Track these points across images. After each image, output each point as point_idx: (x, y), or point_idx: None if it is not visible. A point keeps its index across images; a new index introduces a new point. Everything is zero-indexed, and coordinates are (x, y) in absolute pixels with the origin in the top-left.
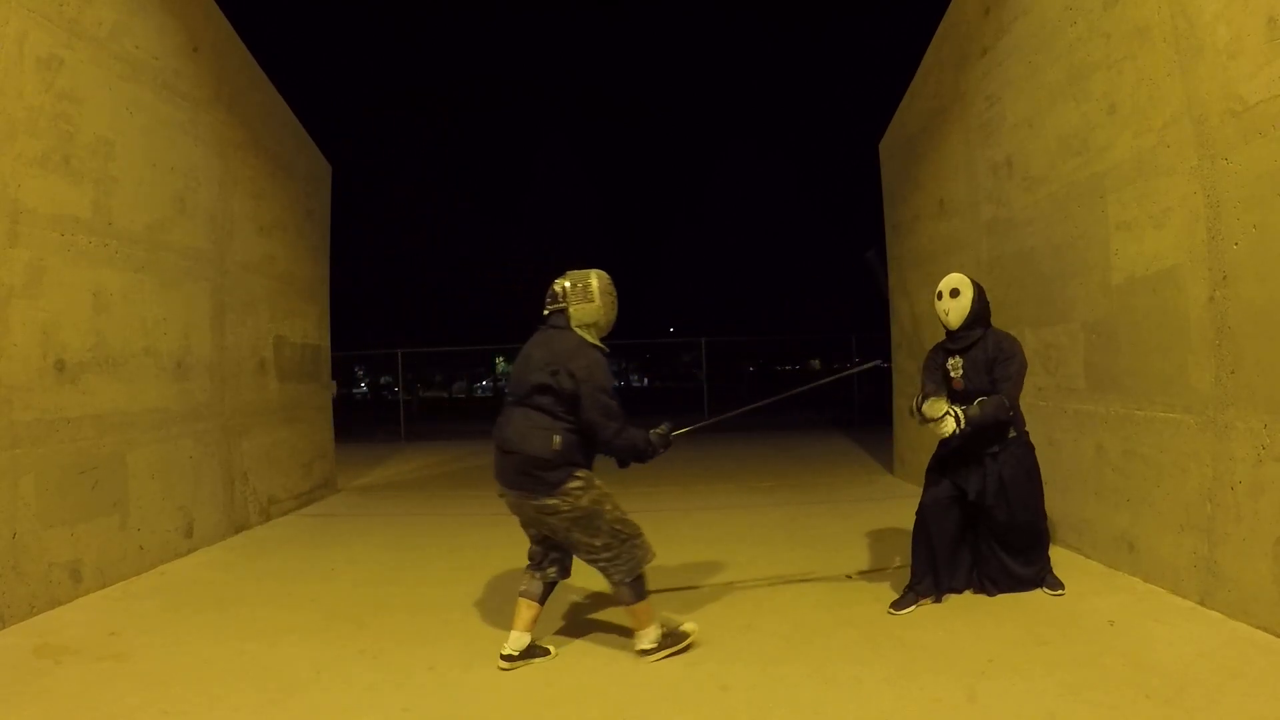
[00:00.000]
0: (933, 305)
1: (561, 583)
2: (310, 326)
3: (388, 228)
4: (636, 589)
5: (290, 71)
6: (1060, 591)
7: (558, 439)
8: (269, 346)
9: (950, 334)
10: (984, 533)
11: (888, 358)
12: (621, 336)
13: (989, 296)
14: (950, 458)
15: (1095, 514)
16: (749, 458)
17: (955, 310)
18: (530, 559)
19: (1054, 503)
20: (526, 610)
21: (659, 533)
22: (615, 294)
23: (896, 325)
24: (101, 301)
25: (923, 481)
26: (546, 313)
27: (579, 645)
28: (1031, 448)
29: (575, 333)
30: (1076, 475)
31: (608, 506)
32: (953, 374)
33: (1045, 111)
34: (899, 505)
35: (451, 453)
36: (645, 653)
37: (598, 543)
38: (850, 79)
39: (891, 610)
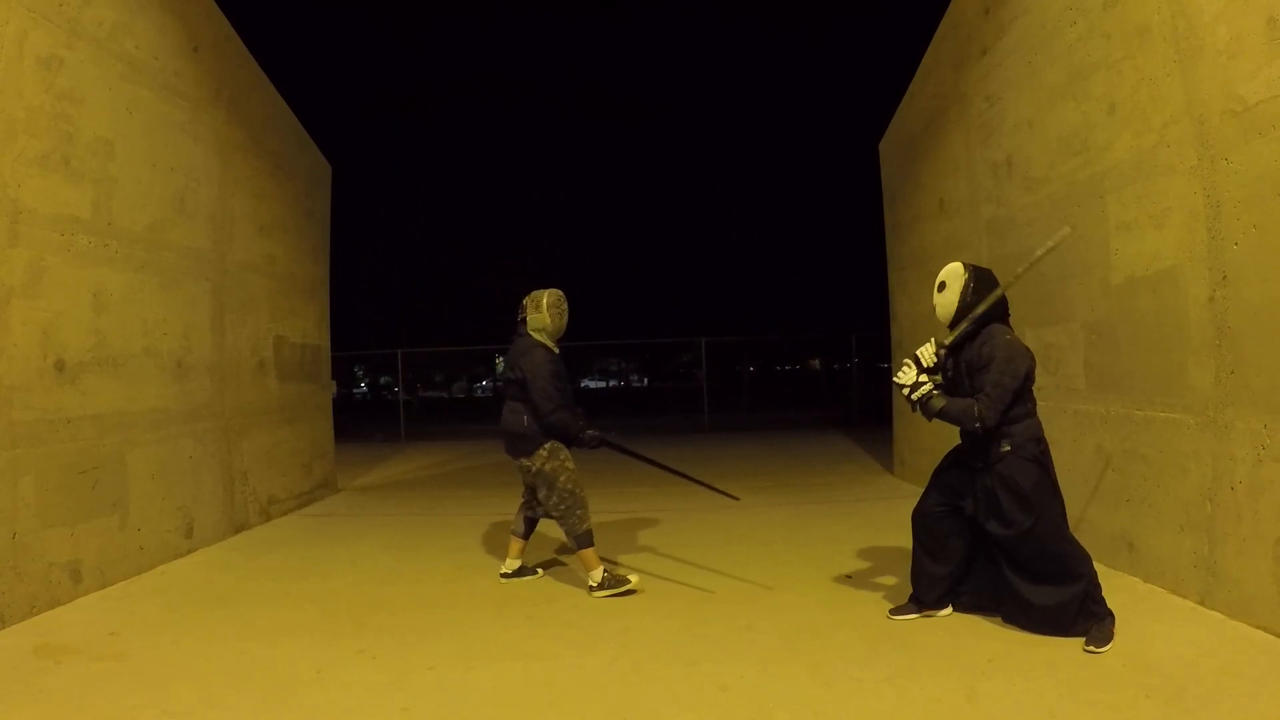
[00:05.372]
0: (932, 305)
1: (561, 585)
2: (310, 326)
3: (388, 228)
4: (580, 542)
5: (290, 71)
6: (1100, 649)
7: (527, 419)
8: (269, 346)
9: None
10: (997, 556)
11: (887, 358)
12: (622, 336)
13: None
14: (948, 468)
15: (1095, 514)
16: (749, 457)
17: (941, 305)
18: (524, 497)
19: None
20: (516, 544)
21: (660, 532)
22: (563, 307)
23: (896, 325)
24: (101, 301)
25: (923, 482)
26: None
27: (579, 645)
28: (1035, 462)
29: (530, 337)
30: (1076, 475)
31: (563, 477)
32: (951, 376)
33: (1045, 111)
34: (899, 505)
35: (451, 453)
36: (591, 588)
37: (551, 501)
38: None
39: (891, 615)
